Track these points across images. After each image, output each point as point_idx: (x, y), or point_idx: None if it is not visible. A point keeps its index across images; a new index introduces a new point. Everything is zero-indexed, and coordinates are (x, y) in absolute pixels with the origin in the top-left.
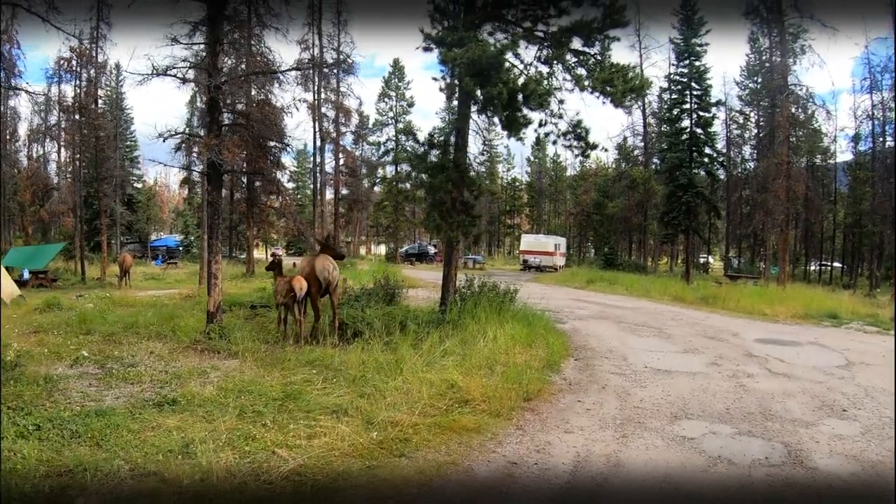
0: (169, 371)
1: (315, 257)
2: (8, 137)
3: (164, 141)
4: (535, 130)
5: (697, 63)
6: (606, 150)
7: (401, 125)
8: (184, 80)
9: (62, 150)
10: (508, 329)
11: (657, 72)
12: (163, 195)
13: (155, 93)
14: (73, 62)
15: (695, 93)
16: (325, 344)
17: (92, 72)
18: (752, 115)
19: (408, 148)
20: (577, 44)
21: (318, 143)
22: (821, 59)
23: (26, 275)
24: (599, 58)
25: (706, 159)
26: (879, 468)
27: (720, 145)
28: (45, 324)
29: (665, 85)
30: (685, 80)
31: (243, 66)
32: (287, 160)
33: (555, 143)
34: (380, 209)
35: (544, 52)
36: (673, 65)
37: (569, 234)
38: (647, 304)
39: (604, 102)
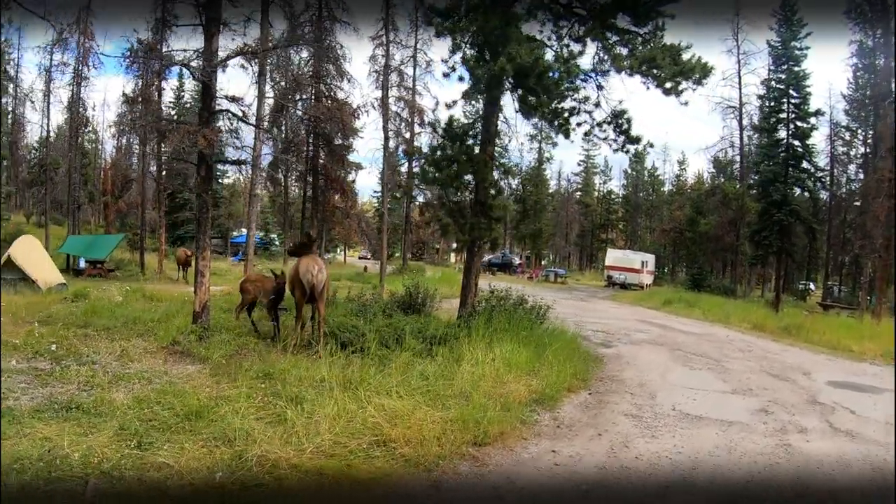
0: (113, 373)
1: (300, 259)
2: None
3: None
4: (565, 119)
5: (796, 68)
6: (652, 146)
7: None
8: (165, 64)
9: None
10: (506, 350)
11: (755, 79)
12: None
13: None
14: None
15: (793, 101)
16: (306, 352)
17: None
18: (859, 131)
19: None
20: (623, 22)
21: (386, 142)
22: None
23: (83, 264)
24: (648, 37)
25: (804, 175)
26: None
27: (823, 162)
28: (55, 314)
29: (763, 92)
30: (782, 86)
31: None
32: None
33: (587, 134)
34: None
35: (579, 29)
36: (770, 69)
37: (663, 252)
38: (719, 331)
39: (648, 87)
